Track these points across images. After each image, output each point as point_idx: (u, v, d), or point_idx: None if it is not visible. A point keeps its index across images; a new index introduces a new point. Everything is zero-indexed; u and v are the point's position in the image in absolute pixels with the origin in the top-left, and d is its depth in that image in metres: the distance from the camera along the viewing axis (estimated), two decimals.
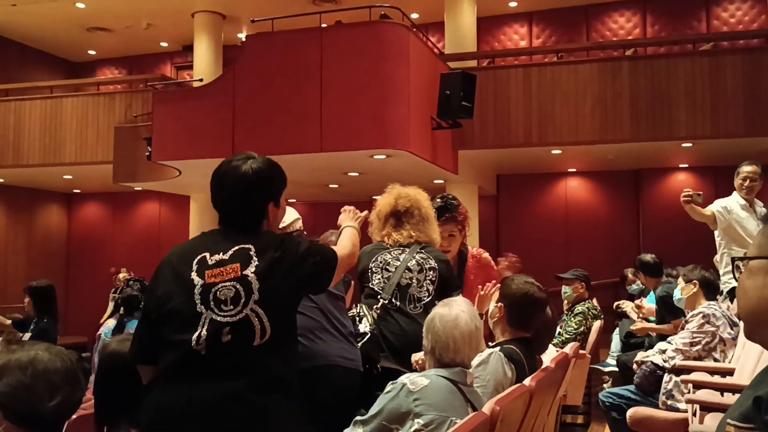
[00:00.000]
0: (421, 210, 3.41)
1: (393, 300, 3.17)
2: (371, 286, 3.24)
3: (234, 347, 1.99)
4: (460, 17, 10.26)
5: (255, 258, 2.07)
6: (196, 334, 1.99)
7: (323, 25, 8.31)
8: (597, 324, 5.92)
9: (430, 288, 3.22)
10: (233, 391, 1.95)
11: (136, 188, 12.34)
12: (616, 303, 7.34)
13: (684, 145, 8.94)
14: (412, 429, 2.17)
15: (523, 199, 11.57)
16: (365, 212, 2.89)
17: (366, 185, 9.65)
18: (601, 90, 8.81)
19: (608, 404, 4.80)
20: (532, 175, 11.42)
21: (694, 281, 4.74)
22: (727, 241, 5.20)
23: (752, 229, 5.07)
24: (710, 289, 4.75)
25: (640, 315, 6.30)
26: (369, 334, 3.06)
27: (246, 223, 2.19)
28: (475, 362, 2.64)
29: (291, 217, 3.16)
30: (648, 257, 6.49)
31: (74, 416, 2.00)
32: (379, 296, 3.18)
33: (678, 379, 4.27)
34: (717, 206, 5.21)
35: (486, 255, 4.06)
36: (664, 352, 4.60)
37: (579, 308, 6.05)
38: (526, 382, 2.45)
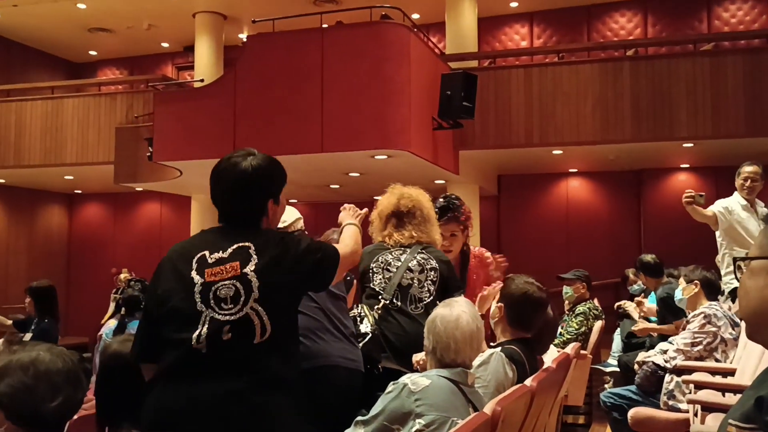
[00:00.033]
0: (423, 210, 3.41)
1: (394, 300, 3.17)
2: (372, 287, 3.24)
3: (234, 345, 1.99)
4: (461, 17, 10.25)
5: (255, 256, 2.07)
6: (197, 332, 1.99)
7: (324, 26, 8.31)
8: (598, 324, 5.92)
9: (432, 288, 3.21)
10: (234, 390, 1.95)
11: (137, 189, 12.35)
12: (617, 303, 7.34)
13: (685, 145, 8.94)
14: (414, 429, 2.17)
15: (524, 200, 11.57)
16: (365, 210, 2.89)
17: (367, 185, 9.65)
18: (602, 90, 8.81)
19: (609, 404, 4.79)
20: (533, 175, 11.42)
21: (696, 281, 4.74)
22: (728, 241, 5.19)
23: (753, 230, 5.07)
24: (711, 290, 4.75)
25: (642, 314, 6.29)
26: (370, 335, 3.06)
27: (245, 220, 2.18)
28: (476, 362, 2.63)
29: (292, 216, 3.16)
30: (648, 257, 6.49)
31: (75, 416, 2.00)
32: (380, 296, 3.18)
33: (679, 379, 4.26)
34: (718, 207, 5.20)
35: (488, 254, 4.07)
36: (665, 352, 4.60)
37: (580, 308, 6.05)
38: (528, 382, 2.45)
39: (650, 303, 6.38)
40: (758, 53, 8.76)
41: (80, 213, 14.38)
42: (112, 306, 8.75)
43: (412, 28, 8.13)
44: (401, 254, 3.29)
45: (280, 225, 2.98)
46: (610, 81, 8.81)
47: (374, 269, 3.26)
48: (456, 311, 2.41)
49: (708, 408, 3.58)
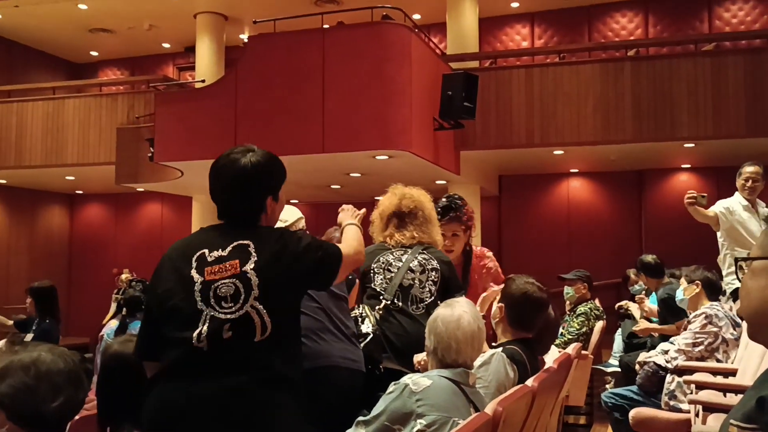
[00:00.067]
0: (425, 211, 3.42)
1: (395, 301, 3.17)
2: (373, 287, 3.24)
3: (235, 344, 1.99)
4: (462, 18, 10.25)
5: (254, 254, 2.07)
6: (197, 331, 1.99)
7: (325, 26, 8.31)
8: (599, 324, 5.92)
9: (433, 289, 3.22)
10: (235, 387, 1.95)
11: (138, 189, 12.35)
12: (617, 304, 7.34)
13: (686, 145, 8.93)
14: (415, 429, 2.17)
15: (526, 200, 11.56)
16: (363, 210, 2.87)
17: (368, 186, 9.65)
18: (603, 90, 8.80)
19: (611, 405, 4.79)
20: (534, 175, 11.42)
21: (697, 282, 4.74)
22: (729, 242, 5.19)
23: (754, 230, 5.07)
24: (713, 290, 4.75)
25: (645, 313, 6.28)
26: (371, 335, 3.06)
27: (244, 217, 2.18)
28: (477, 363, 2.63)
29: (294, 216, 3.15)
30: (649, 258, 6.48)
31: (77, 417, 2.00)
32: (381, 297, 3.19)
33: (680, 379, 4.26)
34: (719, 207, 5.20)
35: (490, 254, 4.07)
36: (666, 352, 4.60)
37: (581, 309, 6.05)
38: (529, 382, 2.45)
39: (651, 304, 6.39)
40: (759, 53, 8.75)
41: (81, 213, 14.39)
42: (113, 306, 8.74)
43: (413, 29, 8.12)
44: (402, 255, 3.29)
45: (282, 224, 2.98)
46: (611, 81, 8.80)
47: (375, 269, 3.26)
48: (457, 311, 2.41)
49: (709, 408, 3.58)
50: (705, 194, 5.08)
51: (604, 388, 6.19)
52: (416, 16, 11.19)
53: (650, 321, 6.20)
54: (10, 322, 6.49)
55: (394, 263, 3.26)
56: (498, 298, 3.13)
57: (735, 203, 5.20)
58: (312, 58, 7.85)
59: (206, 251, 2.10)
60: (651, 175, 10.88)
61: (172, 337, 2.02)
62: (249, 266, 2.05)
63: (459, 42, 10.15)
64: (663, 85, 8.62)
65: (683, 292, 4.82)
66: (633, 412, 4.22)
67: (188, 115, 8.63)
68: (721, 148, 9.09)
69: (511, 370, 2.74)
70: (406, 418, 2.20)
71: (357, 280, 3.44)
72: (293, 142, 7.67)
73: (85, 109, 11.22)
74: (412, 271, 3.23)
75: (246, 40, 10.64)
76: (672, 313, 5.48)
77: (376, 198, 3.69)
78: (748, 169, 5.25)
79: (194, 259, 2.09)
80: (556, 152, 9.46)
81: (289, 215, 3.14)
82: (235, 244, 2.09)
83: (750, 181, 5.20)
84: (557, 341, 5.29)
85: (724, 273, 5.25)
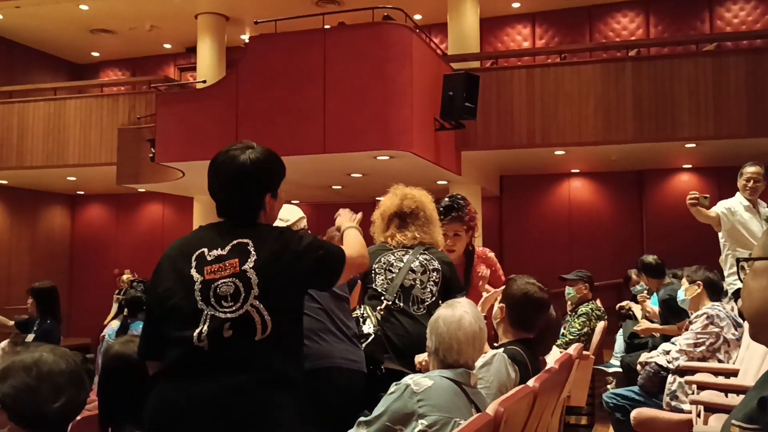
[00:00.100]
0: (426, 212, 3.42)
1: (396, 301, 3.17)
2: (374, 287, 3.24)
3: (236, 343, 1.99)
4: (463, 18, 10.25)
5: (253, 252, 2.06)
6: (198, 330, 1.98)
7: (326, 27, 8.31)
8: (601, 325, 5.92)
9: (434, 289, 3.22)
10: (235, 386, 1.95)
11: (139, 190, 12.36)
12: (619, 304, 7.34)
13: (687, 145, 8.93)
14: (416, 430, 2.17)
15: (527, 200, 11.56)
16: (360, 213, 2.86)
17: (369, 186, 9.65)
18: (604, 91, 8.80)
19: (612, 405, 4.79)
20: (535, 176, 11.41)
21: (698, 282, 4.74)
22: (731, 242, 5.18)
23: (756, 230, 5.06)
24: (714, 290, 4.75)
25: (647, 313, 6.28)
26: (373, 335, 3.07)
27: (243, 214, 2.17)
28: (478, 363, 2.64)
29: (295, 215, 3.15)
30: (650, 258, 6.48)
31: (78, 417, 2.00)
32: (382, 297, 3.19)
33: (682, 380, 4.26)
34: (721, 208, 5.20)
35: (491, 255, 4.08)
36: (668, 353, 4.60)
37: (582, 309, 6.05)
38: (530, 383, 2.45)
39: (652, 305, 6.38)
40: (760, 53, 8.74)
41: (83, 214, 14.39)
42: (114, 307, 8.74)
43: (414, 29, 8.13)
44: (403, 255, 3.29)
45: (283, 224, 2.98)
46: (612, 81, 8.80)
47: (376, 270, 3.26)
48: (459, 312, 2.41)
49: (711, 409, 3.58)
50: (707, 195, 5.07)
51: (605, 389, 6.19)
52: (417, 17, 11.19)
53: (652, 322, 6.20)
54: (11, 323, 6.50)
55: (395, 264, 3.26)
56: (499, 298, 3.13)
57: (736, 204, 5.20)
58: (313, 58, 7.85)
59: (205, 250, 2.09)
60: (652, 175, 10.87)
61: (173, 337, 2.02)
62: (248, 265, 2.04)
63: (460, 42, 10.15)
64: (664, 85, 8.61)
65: (684, 292, 4.82)
66: (634, 413, 4.23)
67: (189, 116, 8.64)
68: (722, 149, 9.08)
69: (513, 370, 2.74)
70: (408, 418, 2.21)
71: (359, 281, 3.44)
72: (294, 143, 7.67)
73: (86, 109, 11.22)
74: (413, 271, 3.23)
75: (247, 41, 10.64)
76: (673, 314, 5.48)
77: (377, 198, 3.69)
78: (749, 170, 5.25)
79: (194, 258, 2.08)
80: (557, 152, 9.46)
81: (291, 215, 3.13)
82: (234, 242, 2.08)
83: (751, 182, 5.20)
84: (558, 342, 5.29)
85: (725, 273, 5.24)
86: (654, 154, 9.70)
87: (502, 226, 11.58)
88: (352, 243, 2.43)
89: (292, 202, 10.80)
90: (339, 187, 10.78)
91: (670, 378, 4.44)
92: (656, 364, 4.62)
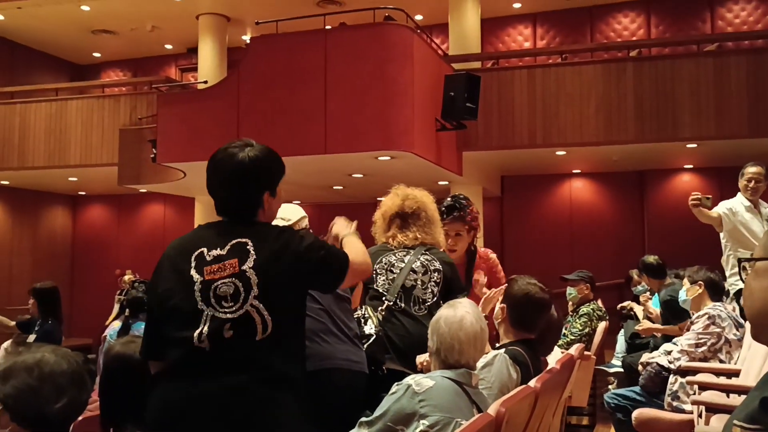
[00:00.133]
0: (428, 212, 3.42)
1: (397, 302, 3.17)
2: (376, 288, 3.24)
3: (236, 343, 1.98)
4: (464, 18, 10.26)
5: (253, 252, 2.05)
6: (198, 331, 1.98)
7: (327, 27, 8.32)
8: (602, 325, 5.92)
9: (435, 290, 3.22)
10: (236, 386, 1.94)
11: (140, 190, 12.36)
12: (620, 305, 7.34)
13: (688, 146, 8.93)
14: (418, 430, 2.17)
15: (528, 201, 11.56)
16: (355, 221, 2.83)
17: (370, 187, 9.65)
18: (605, 91, 8.80)
19: (613, 405, 4.79)
20: (536, 176, 11.41)
21: (699, 282, 4.73)
22: (732, 242, 5.18)
23: (757, 231, 5.06)
24: (715, 290, 4.74)
25: (649, 314, 6.27)
26: (374, 336, 3.06)
27: (242, 213, 2.15)
28: (480, 364, 2.64)
29: (297, 215, 3.14)
30: (651, 259, 6.47)
31: (80, 418, 2.00)
32: (383, 298, 3.19)
33: (683, 380, 4.26)
34: (722, 208, 5.19)
35: (493, 256, 4.08)
36: (669, 353, 4.60)
37: (584, 309, 6.05)
38: (532, 383, 2.45)
39: (654, 305, 6.38)
40: (762, 54, 8.74)
41: (84, 214, 14.40)
42: (116, 307, 8.76)
43: (415, 30, 8.13)
44: (405, 255, 3.29)
45: (285, 223, 2.98)
46: (613, 82, 8.80)
47: (378, 270, 3.26)
48: (460, 312, 2.41)
49: (712, 409, 3.58)
50: (710, 196, 5.07)
51: (606, 389, 6.18)
52: (418, 17, 11.19)
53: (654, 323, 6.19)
54: (12, 323, 6.50)
55: (396, 264, 3.26)
56: (500, 298, 3.13)
57: (737, 204, 5.19)
58: (314, 59, 7.85)
59: (204, 250, 2.08)
60: (653, 175, 10.87)
61: (174, 337, 2.02)
62: (248, 265, 2.03)
63: (461, 43, 10.15)
64: (665, 85, 8.61)
65: (686, 292, 4.82)
66: (636, 413, 4.22)
67: (190, 116, 8.64)
68: (723, 149, 9.08)
69: (514, 371, 2.74)
70: (409, 418, 2.21)
71: (360, 282, 3.44)
72: (295, 143, 7.68)
73: (87, 110, 11.23)
74: (414, 272, 3.23)
75: (248, 41, 10.65)
76: (675, 316, 5.48)
77: (378, 199, 3.69)
78: (751, 170, 5.24)
79: (193, 258, 2.07)
80: (558, 153, 9.46)
81: (292, 214, 3.12)
82: (233, 242, 2.07)
83: (752, 182, 5.19)
84: (560, 342, 5.29)
85: (727, 274, 5.24)
86: (655, 155, 9.70)
87: (503, 227, 11.58)
88: (355, 249, 2.38)
89: (294, 202, 10.78)
90: (340, 187, 10.78)
91: (671, 378, 4.44)
92: (658, 364, 4.62)
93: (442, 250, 3.45)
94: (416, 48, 7.84)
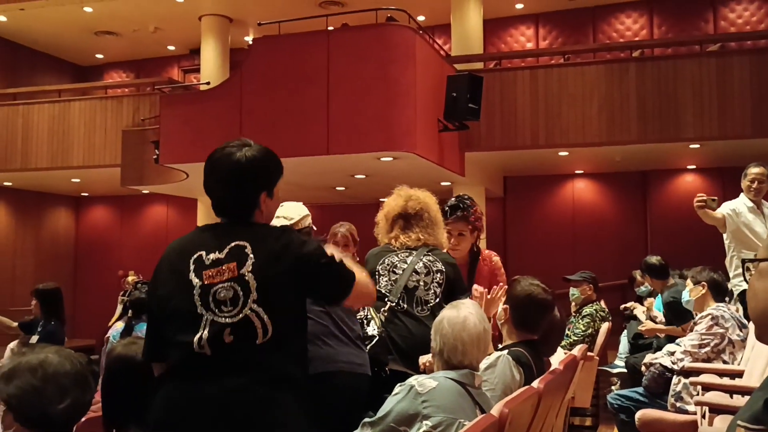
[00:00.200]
0: (431, 213, 3.41)
1: (400, 302, 3.17)
2: (378, 289, 3.23)
3: (237, 348, 1.97)
4: (467, 19, 10.25)
5: (251, 255, 2.02)
6: (198, 335, 1.97)
7: (330, 28, 8.31)
8: (605, 326, 5.91)
9: (437, 291, 3.21)
10: (238, 386, 1.94)
11: (143, 191, 12.37)
12: (622, 305, 7.33)
13: (691, 146, 8.92)
14: (421, 431, 2.17)
15: (530, 201, 11.55)
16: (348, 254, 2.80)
17: (372, 187, 9.65)
18: (608, 91, 8.80)
19: (617, 406, 4.79)
20: (538, 176, 11.41)
21: (703, 283, 4.72)
22: (735, 243, 5.16)
23: (760, 231, 5.05)
24: (719, 291, 4.73)
25: (651, 316, 6.27)
26: (377, 337, 3.06)
27: (239, 213, 2.14)
28: (483, 365, 2.63)
29: (299, 213, 3.13)
30: (654, 259, 6.46)
31: (83, 418, 2.01)
32: (386, 299, 3.19)
33: (687, 381, 4.25)
34: (726, 209, 5.18)
35: (496, 258, 4.07)
36: (672, 353, 4.59)
37: (587, 310, 6.04)
38: (535, 384, 2.45)
39: (656, 307, 6.37)
40: (764, 54, 8.73)
41: (87, 216, 14.42)
42: (119, 308, 8.76)
43: (417, 30, 8.13)
44: (407, 256, 3.29)
45: (287, 222, 2.98)
46: (615, 82, 8.79)
47: (380, 271, 3.26)
48: (463, 313, 2.41)
49: (716, 410, 3.57)
50: (715, 197, 5.06)
51: (609, 390, 6.18)
52: (420, 18, 11.19)
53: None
54: (14, 324, 6.51)
55: (399, 265, 3.26)
56: (504, 299, 3.13)
57: (740, 205, 5.18)
58: (316, 59, 7.85)
59: (203, 253, 2.06)
60: (656, 176, 10.86)
61: (174, 340, 2.01)
62: (246, 268, 2.01)
63: (463, 43, 10.15)
64: (668, 85, 8.60)
65: (689, 293, 4.81)
66: (639, 414, 4.22)
67: (193, 117, 8.65)
68: (726, 149, 9.07)
69: (517, 372, 2.74)
70: (412, 419, 2.20)
71: None
72: (298, 144, 7.68)
73: (90, 111, 11.24)
74: (417, 273, 3.23)
75: (251, 42, 10.66)
76: (678, 317, 5.47)
77: (381, 200, 3.69)
78: (754, 171, 5.23)
79: (192, 261, 2.05)
80: (560, 153, 9.46)
81: (295, 212, 3.11)
82: (231, 245, 2.05)
83: (755, 183, 5.18)
84: (563, 343, 5.28)
85: (731, 275, 5.23)
86: (658, 155, 9.69)
87: (505, 227, 11.58)
88: (359, 273, 2.26)
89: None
90: (342, 188, 10.78)
91: (674, 379, 4.43)
92: (661, 365, 4.61)
93: (444, 251, 3.45)
94: (419, 49, 7.84)
